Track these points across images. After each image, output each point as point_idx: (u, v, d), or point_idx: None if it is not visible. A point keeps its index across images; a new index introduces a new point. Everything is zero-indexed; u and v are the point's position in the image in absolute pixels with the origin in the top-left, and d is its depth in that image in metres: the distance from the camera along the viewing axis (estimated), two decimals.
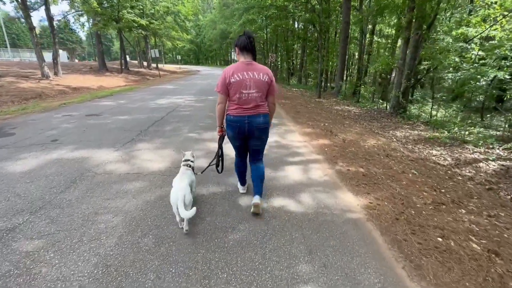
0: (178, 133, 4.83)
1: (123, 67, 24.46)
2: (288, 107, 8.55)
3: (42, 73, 14.03)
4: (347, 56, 14.63)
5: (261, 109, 2.18)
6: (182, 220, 2.07)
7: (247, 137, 2.25)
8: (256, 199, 2.32)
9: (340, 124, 6.71)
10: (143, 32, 26.12)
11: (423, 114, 10.78)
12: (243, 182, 2.69)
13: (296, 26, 23.27)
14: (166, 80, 18.96)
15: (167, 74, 28.21)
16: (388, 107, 10.90)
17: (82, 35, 69.67)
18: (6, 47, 42.60)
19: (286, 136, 4.98)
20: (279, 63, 27.43)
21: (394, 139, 6.26)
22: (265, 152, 2.58)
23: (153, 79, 20.46)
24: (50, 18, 15.01)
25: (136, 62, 33.85)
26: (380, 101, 13.73)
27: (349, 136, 5.48)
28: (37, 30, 66.57)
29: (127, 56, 53.03)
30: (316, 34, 19.85)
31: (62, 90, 12.53)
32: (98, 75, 19.00)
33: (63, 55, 46.73)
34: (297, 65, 28.81)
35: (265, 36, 25.82)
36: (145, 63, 31.19)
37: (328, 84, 19.18)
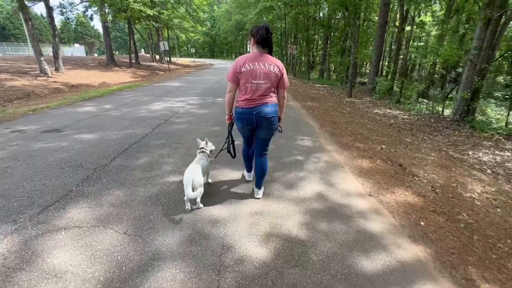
0: (154, 173, 2.88)
1: (133, 61, 22.99)
2: (319, 114, 6.38)
3: (40, 69, 12.62)
4: (384, 47, 12.03)
5: (269, 99, 2.12)
6: (189, 201, 2.18)
7: (256, 128, 2.21)
8: (257, 193, 2.47)
9: (401, 145, 4.50)
10: (154, 23, 24.45)
11: (493, 121, 8.23)
12: (249, 168, 2.62)
13: (318, 13, 20.54)
14: (175, 75, 17.17)
15: (179, 68, 26.52)
16: (443, 110, 8.40)
17: (100, 29, 69.64)
18: (27, 42, 42.88)
19: (334, 180, 2.90)
20: (297, 55, 24.80)
21: (489, 170, 3.99)
22: (306, 239, 1.92)
23: (161, 74, 18.77)
24: (49, 8, 13.51)
25: (151, 55, 32.35)
26: (425, 101, 11.16)
27: (432, 173, 3.31)
28: (58, 25, 66.82)
29: (143, 50, 52.07)
30: (343, 22, 17.18)
31: (57, 88, 11.03)
32: (105, 70, 17.54)
33: (80, 50, 46.56)
34: (317, 58, 26.15)
35: (284, 25, 23.30)
36: (158, 57, 29.63)
37: (356, 79, 16.58)
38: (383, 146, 4.25)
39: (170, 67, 25.38)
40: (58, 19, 65.11)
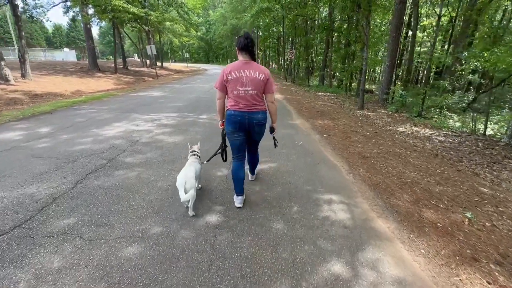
0: None
1: (121, 66, 21.09)
2: (338, 140, 4.55)
3: (1, 75, 10.67)
4: (398, 51, 10.37)
5: (259, 107, 2.15)
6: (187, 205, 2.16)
7: (247, 131, 2.21)
8: (251, 177, 2.81)
9: (485, 203, 2.70)
10: (144, 26, 22.66)
11: None
12: (240, 191, 2.32)
13: (319, 15, 18.95)
14: (162, 82, 15.29)
15: (170, 74, 24.66)
16: (485, 129, 6.66)
17: (95, 33, 67.65)
18: (14, 46, 40.68)
19: None
20: (295, 61, 23.12)
21: None
22: None
23: (148, 81, 16.88)
24: (13, 6, 11.58)
25: (141, 60, 30.41)
26: (447, 114, 9.46)
27: None
28: (50, 29, 64.49)
29: (136, 55, 50.18)
30: (345, 24, 15.56)
31: (14, 98, 9.07)
32: (85, 77, 15.60)
33: (71, 54, 44.35)
34: (317, 63, 24.57)
35: (281, 29, 21.68)
36: (149, 62, 27.72)
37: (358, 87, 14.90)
38: (469, 215, 2.44)
39: (161, 73, 23.54)
40: (50, 23, 62.83)
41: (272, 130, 2.37)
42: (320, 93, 13.41)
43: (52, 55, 41.61)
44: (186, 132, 4.56)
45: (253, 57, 2.11)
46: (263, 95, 2.18)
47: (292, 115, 6.49)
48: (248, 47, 2.05)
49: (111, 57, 59.27)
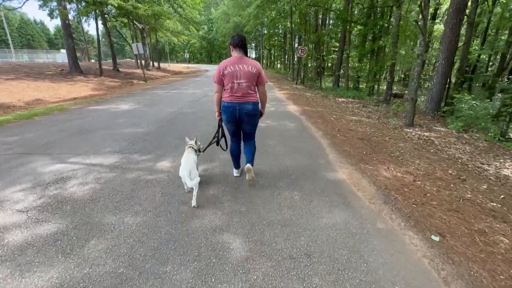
0: None
1: (111, 68, 18.53)
2: (483, 268, 1.72)
3: None
4: (457, 44, 7.39)
5: (250, 98, 2.31)
6: (189, 188, 2.30)
7: (239, 121, 2.39)
8: (248, 165, 2.47)
9: None
10: (136, 23, 20.03)
11: None
12: (237, 166, 2.75)
13: (333, 6, 15.92)
14: (147, 87, 12.53)
15: (166, 75, 21.97)
16: None
17: (94, 34, 65.42)
18: (10, 48, 38.61)
19: None
20: (304, 60, 19.99)
21: None
22: None
23: (135, 85, 14.20)
24: None
25: (135, 61, 27.78)
26: None
27: None
28: (52, 31, 62.22)
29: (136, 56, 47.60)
30: (365, 12, 12.56)
31: None
32: (61, 81, 12.98)
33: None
34: (328, 62, 21.62)
35: (288, 24, 18.76)
36: (146, 63, 25.06)
37: (391, 90, 11.89)
38: None
39: (156, 75, 20.93)
40: (53, 25, 60.86)
41: (260, 115, 2.49)
42: (340, 99, 10.52)
43: (54, 56, 39.47)
44: (82, 251, 1.78)
45: (245, 53, 2.31)
46: (256, 87, 2.35)
47: (326, 153, 3.62)
48: (242, 44, 2.27)
49: (110, 58, 56.99)
